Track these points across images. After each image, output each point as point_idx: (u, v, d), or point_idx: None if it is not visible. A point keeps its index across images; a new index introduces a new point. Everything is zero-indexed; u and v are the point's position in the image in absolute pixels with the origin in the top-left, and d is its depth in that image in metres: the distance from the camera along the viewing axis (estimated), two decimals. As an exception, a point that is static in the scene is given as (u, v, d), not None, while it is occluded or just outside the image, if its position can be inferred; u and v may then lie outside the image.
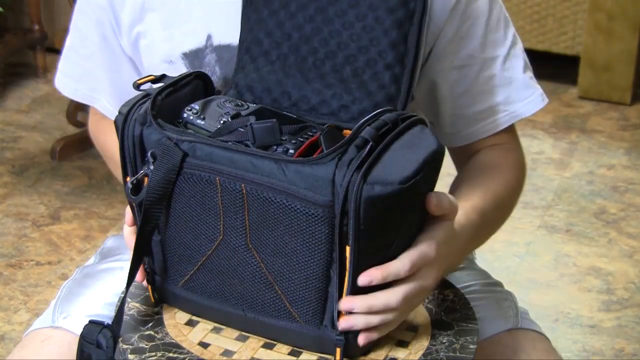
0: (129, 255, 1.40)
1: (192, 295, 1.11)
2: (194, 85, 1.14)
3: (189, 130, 1.08)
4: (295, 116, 1.12)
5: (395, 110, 1.07)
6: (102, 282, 1.36)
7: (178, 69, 1.28)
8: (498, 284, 1.41)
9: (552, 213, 2.88)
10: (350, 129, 1.06)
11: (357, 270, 1.01)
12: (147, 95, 1.08)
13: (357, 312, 1.03)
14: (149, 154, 1.05)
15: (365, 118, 1.02)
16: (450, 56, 1.27)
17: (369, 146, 0.99)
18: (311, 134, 1.08)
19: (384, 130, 1.01)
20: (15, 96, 3.62)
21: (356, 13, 1.11)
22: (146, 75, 1.14)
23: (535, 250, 2.70)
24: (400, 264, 1.03)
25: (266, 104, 1.15)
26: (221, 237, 1.06)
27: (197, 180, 1.04)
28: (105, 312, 1.29)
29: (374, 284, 1.02)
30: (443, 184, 1.18)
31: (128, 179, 1.08)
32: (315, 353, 1.08)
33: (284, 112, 1.13)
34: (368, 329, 1.05)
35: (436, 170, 1.04)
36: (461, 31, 1.26)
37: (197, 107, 1.10)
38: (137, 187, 1.07)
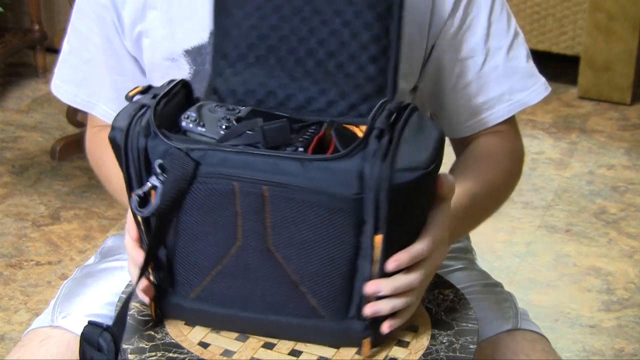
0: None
1: (206, 306, 1.10)
2: (182, 94, 1.12)
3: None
4: (288, 115, 1.12)
5: (390, 100, 1.09)
6: (102, 282, 1.36)
7: (180, 66, 1.28)
8: (498, 285, 1.41)
9: (552, 213, 2.88)
10: (347, 123, 1.09)
11: (387, 258, 1.03)
12: (142, 106, 1.06)
13: (383, 294, 1.04)
14: (156, 166, 1.03)
15: (375, 109, 1.04)
16: (454, 48, 1.28)
17: (387, 136, 1.01)
18: (312, 130, 1.08)
19: (393, 120, 1.03)
20: (15, 96, 3.62)
21: (333, 9, 1.12)
22: (141, 81, 1.14)
23: (535, 250, 2.70)
24: (422, 246, 1.05)
25: (251, 106, 1.14)
26: (239, 242, 1.05)
27: (213, 187, 1.03)
28: (104, 312, 1.29)
29: (401, 267, 1.03)
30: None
31: (133, 193, 1.06)
32: (315, 354, 1.08)
33: (276, 112, 1.12)
34: (391, 316, 1.05)
35: (442, 154, 1.06)
36: (465, 24, 1.28)
37: (193, 114, 1.08)
38: (144, 200, 1.05)
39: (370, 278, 1.04)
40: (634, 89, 3.57)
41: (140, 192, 1.04)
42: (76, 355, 1.26)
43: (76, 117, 3.19)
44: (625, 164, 3.17)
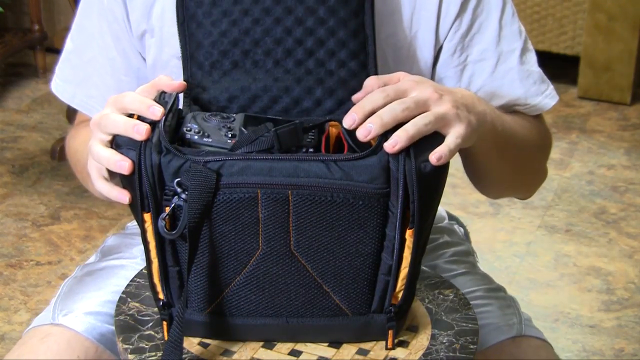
0: (129, 254, 1.40)
1: (223, 319, 1.08)
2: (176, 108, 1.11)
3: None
4: (281, 117, 1.11)
5: None
6: (103, 280, 1.36)
7: None
8: (501, 289, 1.40)
9: (552, 213, 2.88)
10: (333, 120, 1.10)
11: (417, 249, 1.04)
12: (149, 123, 1.03)
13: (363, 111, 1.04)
14: (174, 184, 1.01)
15: None
16: (464, 51, 1.28)
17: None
18: (314, 130, 1.08)
19: None
20: (15, 96, 3.62)
21: (306, 8, 1.12)
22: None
23: (535, 250, 2.70)
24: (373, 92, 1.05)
25: (235, 112, 1.13)
26: (259, 250, 1.04)
27: (234, 197, 1.01)
28: (105, 310, 1.29)
29: (357, 122, 1.03)
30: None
31: (147, 215, 1.03)
32: (315, 354, 1.08)
33: (269, 116, 1.12)
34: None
35: None
36: (474, 26, 1.27)
37: (195, 126, 1.07)
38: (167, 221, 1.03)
39: (397, 272, 1.05)
40: (634, 89, 3.57)
41: (165, 215, 1.02)
42: (77, 353, 1.26)
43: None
44: (625, 164, 3.17)
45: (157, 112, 1.04)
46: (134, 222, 1.49)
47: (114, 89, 1.31)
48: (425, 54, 1.27)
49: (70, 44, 1.36)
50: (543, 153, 1.36)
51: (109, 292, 1.32)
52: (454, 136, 1.04)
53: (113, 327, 1.17)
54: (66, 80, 1.37)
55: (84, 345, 1.27)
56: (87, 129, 1.29)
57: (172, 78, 1.11)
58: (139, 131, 1.02)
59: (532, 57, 1.31)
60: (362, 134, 1.02)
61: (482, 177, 1.29)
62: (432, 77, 1.30)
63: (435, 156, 1.02)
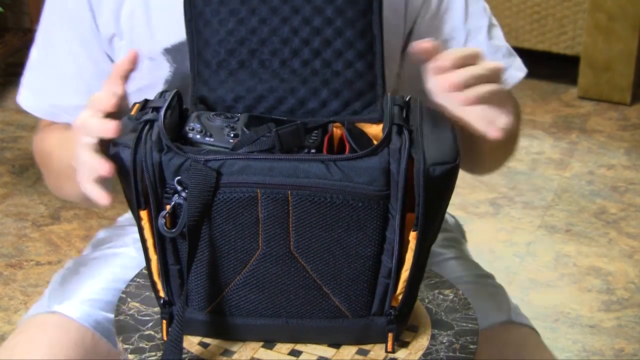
0: (121, 242, 1.40)
1: (223, 318, 1.08)
2: (177, 105, 1.10)
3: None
4: (285, 118, 1.11)
5: (379, 97, 1.11)
6: (96, 269, 1.37)
7: (160, 66, 1.27)
8: (490, 276, 1.41)
9: (552, 213, 2.88)
10: (337, 121, 1.10)
11: (421, 252, 1.03)
12: (146, 122, 1.03)
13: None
14: (174, 182, 1.02)
15: (389, 106, 1.05)
16: (433, 32, 1.29)
17: (407, 132, 1.02)
18: (317, 132, 1.08)
19: (405, 115, 1.05)
20: (15, 96, 3.61)
21: (313, 7, 1.11)
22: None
23: (535, 250, 2.70)
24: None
25: (240, 112, 1.13)
26: (259, 250, 1.04)
27: (234, 197, 1.02)
28: (101, 297, 1.30)
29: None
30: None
31: (143, 212, 1.04)
32: (315, 354, 1.08)
33: (274, 117, 1.12)
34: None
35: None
36: (442, 6, 1.29)
37: (198, 125, 1.07)
38: (167, 219, 1.03)
39: (397, 275, 1.04)
40: (634, 89, 3.57)
41: (165, 212, 1.02)
42: (74, 339, 1.27)
43: (76, 117, 3.19)
44: (625, 164, 3.17)
45: (107, 102, 1.05)
46: (125, 216, 1.50)
47: (84, 94, 1.28)
48: (394, 38, 1.28)
49: (34, 53, 1.35)
50: (520, 123, 1.38)
51: (103, 279, 1.33)
52: (508, 117, 1.07)
53: (108, 315, 1.17)
54: (32, 90, 1.37)
55: (80, 332, 1.28)
56: (58, 131, 1.29)
57: (142, 77, 1.10)
58: (107, 130, 1.03)
59: (498, 32, 1.33)
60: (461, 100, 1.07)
61: (478, 163, 1.30)
62: (402, 61, 1.31)
63: (496, 133, 1.05)
